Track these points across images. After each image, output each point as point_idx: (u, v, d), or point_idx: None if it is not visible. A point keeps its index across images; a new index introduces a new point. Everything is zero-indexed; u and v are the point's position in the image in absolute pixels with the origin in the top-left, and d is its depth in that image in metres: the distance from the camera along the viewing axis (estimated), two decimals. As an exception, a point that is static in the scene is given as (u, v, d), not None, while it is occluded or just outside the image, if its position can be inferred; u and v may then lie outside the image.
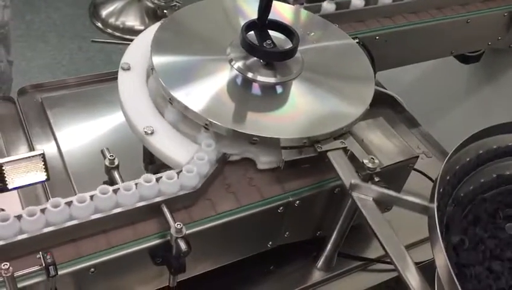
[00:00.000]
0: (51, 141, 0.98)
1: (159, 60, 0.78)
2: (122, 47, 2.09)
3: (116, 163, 0.71)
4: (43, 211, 0.62)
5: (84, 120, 1.03)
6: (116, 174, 0.71)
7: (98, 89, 1.10)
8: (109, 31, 2.03)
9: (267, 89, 0.79)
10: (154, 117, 0.77)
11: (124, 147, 0.91)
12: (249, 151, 0.76)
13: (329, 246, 0.85)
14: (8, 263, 0.54)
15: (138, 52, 0.85)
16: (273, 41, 0.79)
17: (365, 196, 0.68)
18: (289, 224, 0.79)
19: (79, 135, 1.01)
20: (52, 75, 1.80)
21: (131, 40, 2.06)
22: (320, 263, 0.87)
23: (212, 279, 0.79)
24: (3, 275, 0.54)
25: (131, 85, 0.81)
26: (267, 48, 0.78)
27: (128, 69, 0.82)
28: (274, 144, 0.73)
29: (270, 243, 0.80)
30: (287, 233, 0.80)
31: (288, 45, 0.80)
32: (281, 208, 0.75)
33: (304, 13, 0.94)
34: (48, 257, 0.56)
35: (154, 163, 0.85)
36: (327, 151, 0.73)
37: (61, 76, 1.85)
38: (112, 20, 2.02)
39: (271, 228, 0.78)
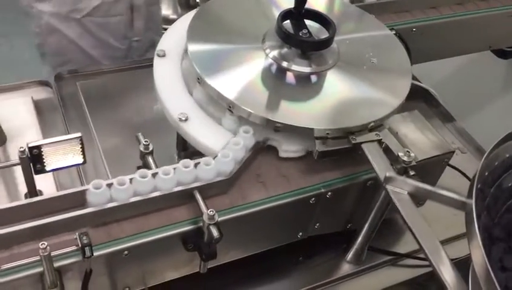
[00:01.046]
0: (86, 126, 1.00)
1: (193, 46, 0.78)
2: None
3: (150, 148, 0.72)
4: (83, 192, 0.64)
5: (117, 106, 1.05)
6: (150, 160, 0.71)
7: (131, 75, 1.11)
8: (142, 19, 2.04)
9: (301, 78, 0.79)
10: (189, 104, 0.77)
11: (156, 134, 0.92)
12: (273, 139, 0.75)
13: (359, 239, 0.84)
14: (45, 243, 0.55)
15: (173, 39, 0.86)
16: (309, 31, 0.79)
17: (400, 189, 0.67)
18: (320, 215, 0.78)
19: (112, 120, 1.02)
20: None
21: (165, 29, 2.08)
22: (349, 256, 0.87)
23: (240, 268, 0.80)
24: (41, 254, 0.55)
25: (166, 72, 0.81)
26: (303, 37, 0.77)
27: (164, 56, 0.83)
28: (302, 133, 0.72)
29: (301, 233, 0.80)
30: (318, 224, 0.80)
31: (324, 35, 0.80)
32: (313, 199, 0.74)
33: (340, 3, 0.93)
34: (84, 238, 0.57)
35: (187, 150, 0.86)
36: (361, 143, 0.72)
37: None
38: (144, 9, 2.04)
39: (302, 218, 0.78)
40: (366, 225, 0.81)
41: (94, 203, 0.62)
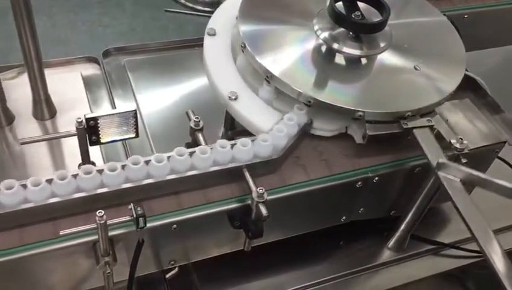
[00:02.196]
0: (132, 102, 1.01)
1: (244, 25, 0.78)
2: (193, 17, 2.11)
3: (201, 125, 0.72)
4: (123, 167, 0.65)
5: (163, 84, 1.06)
6: (200, 136, 0.72)
7: (178, 54, 1.12)
8: (182, 1, 2.05)
9: (352, 61, 0.78)
10: (238, 83, 0.77)
11: (199, 112, 0.93)
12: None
13: (402, 227, 0.83)
14: (103, 211, 0.57)
15: (223, 18, 0.86)
16: (362, 13, 0.77)
17: (453, 176, 0.66)
18: (365, 200, 0.78)
19: (158, 97, 1.03)
20: (127, 41, 1.84)
21: (203, 11, 2.08)
22: (391, 243, 0.86)
23: (281, 249, 0.80)
24: (98, 221, 0.57)
25: (216, 50, 0.81)
26: (356, 19, 0.76)
27: (214, 34, 0.83)
28: (344, 114, 0.72)
29: (344, 217, 0.80)
30: (362, 209, 0.79)
31: (376, 18, 0.78)
32: (359, 183, 0.74)
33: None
34: (139, 208, 0.58)
35: (234, 129, 0.86)
36: (413, 128, 0.71)
37: (136, 42, 1.90)
38: (185, -9, 2.05)
39: (347, 202, 0.77)
40: (411, 213, 0.80)
41: (154, 175, 0.63)
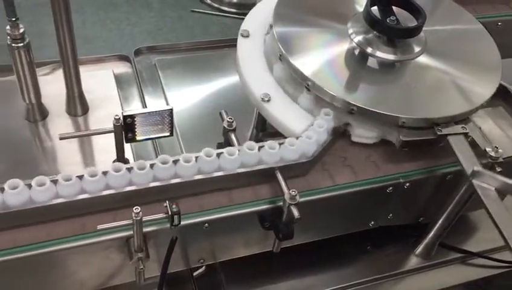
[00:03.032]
0: (162, 100, 1.02)
1: (278, 26, 0.78)
2: (219, 18, 2.12)
3: (234, 126, 0.73)
4: (152, 166, 0.65)
5: (193, 83, 1.07)
6: (233, 136, 0.73)
7: (207, 55, 1.13)
8: (208, 1, 2.06)
9: (386, 65, 0.78)
10: (271, 85, 0.78)
11: (228, 112, 0.93)
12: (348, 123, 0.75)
13: (431, 234, 0.82)
14: (139, 207, 0.58)
15: (257, 20, 0.86)
16: (397, 18, 0.77)
17: (487, 185, 0.65)
18: (394, 206, 0.77)
19: (187, 96, 1.04)
20: (154, 40, 1.86)
21: (228, 12, 2.08)
22: (419, 249, 0.85)
23: (308, 251, 0.80)
24: (134, 217, 0.58)
25: (249, 52, 0.82)
26: (391, 24, 0.76)
27: (247, 36, 0.83)
28: (381, 120, 0.71)
29: (373, 222, 0.79)
30: (391, 215, 0.79)
31: (411, 23, 0.78)
32: (390, 188, 0.73)
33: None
34: (174, 206, 0.59)
35: (265, 130, 0.86)
36: (447, 135, 0.71)
37: (162, 42, 1.91)
38: (211, -8, 2.06)
39: (377, 207, 0.77)
40: (441, 220, 0.79)
41: (182, 175, 0.64)
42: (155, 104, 1.02)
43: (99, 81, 1.01)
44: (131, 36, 1.89)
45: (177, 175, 0.65)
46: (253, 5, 2.31)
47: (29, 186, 0.59)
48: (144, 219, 0.60)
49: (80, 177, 0.61)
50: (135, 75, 1.06)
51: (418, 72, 0.77)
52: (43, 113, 0.94)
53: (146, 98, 1.02)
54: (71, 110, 0.95)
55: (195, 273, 0.80)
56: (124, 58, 1.09)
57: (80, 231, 0.62)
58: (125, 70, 1.08)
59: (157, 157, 0.92)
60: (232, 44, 1.14)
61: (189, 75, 1.08)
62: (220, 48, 1.15)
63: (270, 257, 0.76)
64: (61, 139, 0.63)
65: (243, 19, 1.92)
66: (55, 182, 0.60)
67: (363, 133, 0.74)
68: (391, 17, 0.77)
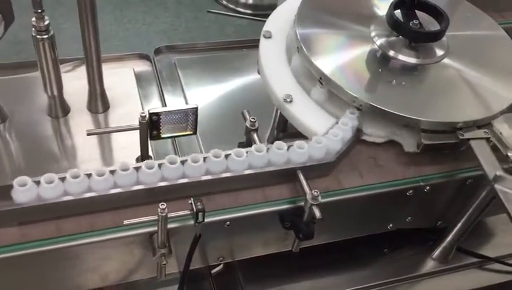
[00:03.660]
0: (181, 99, 1.03)
1: (301, 27, 0.79)
2: (234, 19, 2.13)
3: (256, 125, 0.74)
4: (182, 162, 0.66)
5: (212, 83, 1.08)
6: (255, 136, 0.73)
7: (226, 55, 1.14)
8: (224, 2, 2.07)
9: (408, 68, 0.78)
10: (293, 86, 0.78)
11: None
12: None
13: (449, 238, 0.83)
14: (165, 203, 0.58)
15: (279, 21, 0.87)
16: (420, 22, 0.78)
17: (510, 189, 0.65)
18: (413, 209, 0.78)
19: (206, 95, 1.05)
20: (169, 40, 1.88)
21: (244, 13, 2.09)
22: (436, 253, 0.86)
23: (325, 252, 0.80)
24: (159, 213, 0.58)
25: (271, 53, 0.82)
26: (414, 28, 0.76)
27: (270, 37, 0.84)
28: (396, 121, 0.72)
29: (391, 225, 0.80)
30: (409, 218, 0.79)
31: (433, 27, 0.78)
32: (410, 191, 0.74)
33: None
34: (199, 203, 0.60)
35: (285, 131, 0.87)
36: (469, 139, 0.71)
37: (177, 42, 1.92)
38: (227, -8, 2.07)
39: (395, 210, 0.77)
40: (459, 224, 0.79)
41: (211, 172, 0.65)
42: (175, 102, 1.03)
43: (120, 79, 1.02)
44: (147, 35, 1.91)
45: (208, 172, 0.65)
46: (268, 6, 2.32)
47: (63, 179, 0.60)
48: (169, 215, 0.60)
49: (112, 171, 0.62)
50: (155, 74, 1.07)
51: (440, 76, 0.78)
52: (65, 110, 0.95)
53: (166, 96, 1.03)
54: (92, 107, 0.96)
55: (213, 271, 0.81)
56: (144, 57, 1.10)
57: (107, 225, 0.63)
58: (145, 69, 1.09)
59: (175, 154, 0.95)
60: (250, 45, 1.16)
61: (208, 74, 1.09)
62: (239, 48, 1.15)
63: (287, 257, 0.76)
64: (88, 135, 0.64)
65: (258, 20, 1.93)
66: (89, 175, 0.61)
67: (372, 132, 0.75)
68: (414, 21, 0.77)
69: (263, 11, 2.03)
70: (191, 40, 1.92)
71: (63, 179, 0.60)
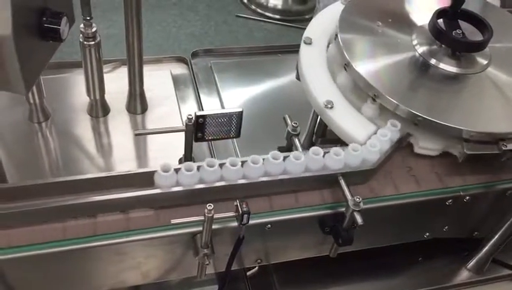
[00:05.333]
0: (217, 102, 1.05)
1: (344, 31, 0.80)
2: (263, 24, 2.14)
3: (298, 131, 0.74)
4: (220, 165, 0.66)
5: (247, 87, 1.09)
6: (297, 141, 0.74)
7: (260, 60, 1.15)
8: (253, 7, 2.09)
9: (450, 78, 0.78)
10: (333, 92, 0.79)
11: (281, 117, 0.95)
12: (412, 134, 0.75)
13: (485, 249, 0.82)
14: (212, 205, 0.59)
15: (319, 28, 0.87)
16: (463, 32, 0.78)
17: (553, 202, 0.65)
18: (451, 219, 0.78)
19: (241, 99, 1.06)
20: (199, 43, 1.89)
21: (272, 18, 2.10)
22: (471, 264, 0.85)
23: (358, 258, 0.81)
24: (206, 214, 0.59)
25: (312, 59, 0.83)
26: (457, 37, 0.76)
27: (310, 43, 0.85)
28: (445, 133, 0.71)
29: (428, 234, 0.80)
30: (446, 227, 0.79)
31: (476, 38, 0.78)
32: (450, 200, 0.74)
33: (491, 7, 0.91)
34: (244, 205, 0.61)
35: (324, 136, 0.88)
36: (512, 150, 0.71)
37: (207, 45, 1.93)
38: (257, -3, 2.09)
39: (433, 219, 0.77)
40: (497, 236, 0.79)
41: (248, 175, 0.66)
42: (211, 105, 1.04)
43: (158, 81, 1.04)
44: (177, 38, 1.93)
45: (245, 176, 0.66)
46: (296, 12, 2.31)
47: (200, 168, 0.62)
48: (215, 216, 0.61)
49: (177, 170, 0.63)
50: (191, 77, 1.08)
51: (483, 86, 0.77)
52: (105, 110, 0.97)
53: (202, 99, 1.05)
54: (131, 108, 0.98)
55: (248, 273, 0.82)
56: (181, 59, 1.12)
57: (153, 223, 0.65)
58: (181, 72, 1.11)
59: (212, 157, 0.96)
60: (284, 50, 1.17)
61: (244, 78, 1.10)
62: (273, 53, 1.17)
63: (320, 262, 0.77)
64: (136, 135, 0.66)
65: (286, 25, 1.93)
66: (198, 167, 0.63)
67: (427, 145, 0.74)
68: (457, 30, 0.78)
69: (291, 17, 2.04)
70: (220, 43, 1.93)
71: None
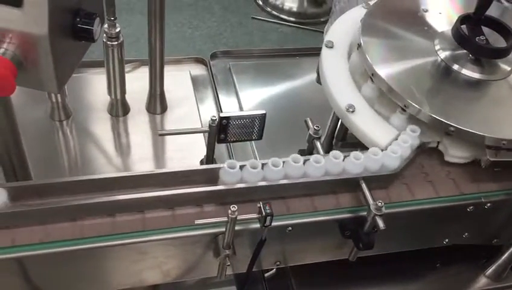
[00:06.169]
0: (235, 103, 1.05)
1: (366, 39, 0.79)
2: (278, 26, 2.15)
3: (320, 134, 0.74)
4: (241, 167, 0.67)
5: (265, 88, 1.09)
6: (318, 144, 0.74)
7: (278, 62, 1.16)
8: (268, 9, 2.09)
9: (474, 84, 0.78)
10: (355, 96, 0.79)
11: (299, 119, 0.95)
12: (441, 141, 0.75)
13: (504, 256, 0.82)
14: (236, 206, 0.60)
15: (341, 32, 0.88)
16: (486, 38, 0.77)
17: None
18: (471, 225, 0.77)
19: (260, 100, 1.07)
20: (214, 45, 1.91)
21: (287, 21, 2.11)
22: (489, 271, 0.85)
23: (376, 263, 0.80)
24: (230, 215, 0.60)
25: (333, 63, 0.83)
26: (481, 43, 0.76)
27: (332, 47, 0.85)
28: (472, 140, 0.71)
29: (447, 240, 0.79)
30: (466, 234, 0.79)
31: (499, 44, 0.78)
32: (471, 207, 0.73)
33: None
34: (267, 207, 0.61)
35: (344, 140, 0.88)
36: (535, 158, 0.70)
37: (222, 47, 1.94)
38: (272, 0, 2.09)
39: (454, 225, 0.77)
40: (517, 243, 0.79)
41: (269, 178, 0.66)
42: (229, 107, 1.05)
43: (177, 81, 1.05)
44: (192, 39, 1.95)
45: (266, 178, 0.67)
46: (311, 15, 2.31)
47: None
48: (238, 217, 0.61)
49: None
50: (210, 78, 1.09)
51: (506, 92, 0.77)
52: (126, 110, 0.98)
53: (220, 99, 1.05)
54: (151, 108, 0.99)
55: (266, 275, 0.82)
56: (200, 60, 1.12)
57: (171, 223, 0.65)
58: (200, 73, 1.11)
59: (230, 159, 0.96)
60: (304, 53, 1.17)
61: (262, 80, 1.10)
62: (291, 56, 1.17)
63: (338, 266, 0.77)
64: (160, 135, 0.66)
65: (301, 28, 1.94)
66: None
67: (457, 153, 0.74)
68: (480, 37, 0.77)
69: (306, 19, 2.05)
70: (235, 45, 1.95)
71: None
